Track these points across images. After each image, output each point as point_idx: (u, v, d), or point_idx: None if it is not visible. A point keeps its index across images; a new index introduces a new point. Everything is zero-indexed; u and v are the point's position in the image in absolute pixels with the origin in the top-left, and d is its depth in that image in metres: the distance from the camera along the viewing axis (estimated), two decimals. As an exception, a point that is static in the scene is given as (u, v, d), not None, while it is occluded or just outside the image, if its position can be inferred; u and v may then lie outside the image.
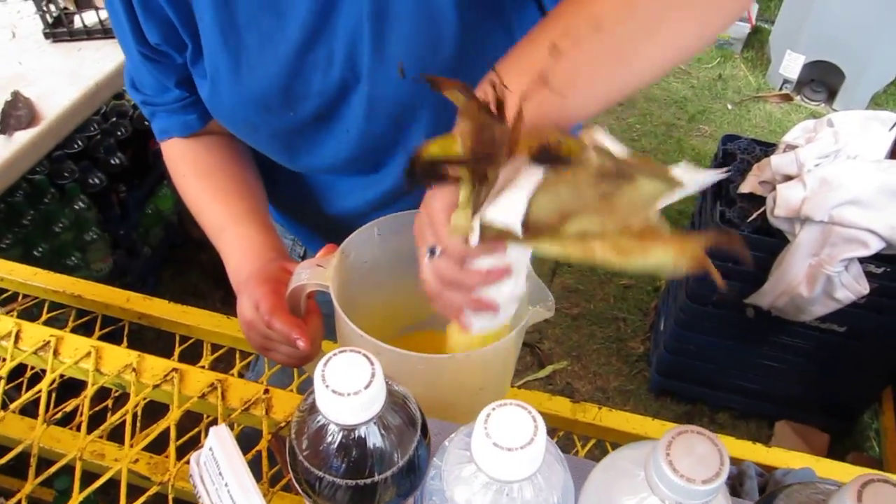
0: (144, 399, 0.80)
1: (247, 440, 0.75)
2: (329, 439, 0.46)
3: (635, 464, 0.45)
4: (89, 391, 0.80)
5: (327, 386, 0.43)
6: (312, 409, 0.47)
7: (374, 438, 0.46)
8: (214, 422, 0.97)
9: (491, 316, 0.63)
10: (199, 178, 0.90)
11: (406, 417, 0.49)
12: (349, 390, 0.43)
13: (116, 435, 0.81)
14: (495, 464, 0.42)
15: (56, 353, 0.82)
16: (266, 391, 0.78)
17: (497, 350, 0.68)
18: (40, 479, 0.73)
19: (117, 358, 0.82)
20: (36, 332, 0.84)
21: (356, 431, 0.46)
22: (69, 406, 0.82)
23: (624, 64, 0.59)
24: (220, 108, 0.81)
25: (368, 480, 0.46)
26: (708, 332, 1.93)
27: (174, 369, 0.80)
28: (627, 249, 0.51)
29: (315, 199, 0.95)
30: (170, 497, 0.71)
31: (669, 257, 0.50)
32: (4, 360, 0.84)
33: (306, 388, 0.87)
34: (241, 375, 0.93)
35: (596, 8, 0.57)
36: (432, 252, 0.59)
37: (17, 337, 0.84)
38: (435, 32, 0.72)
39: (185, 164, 0.91)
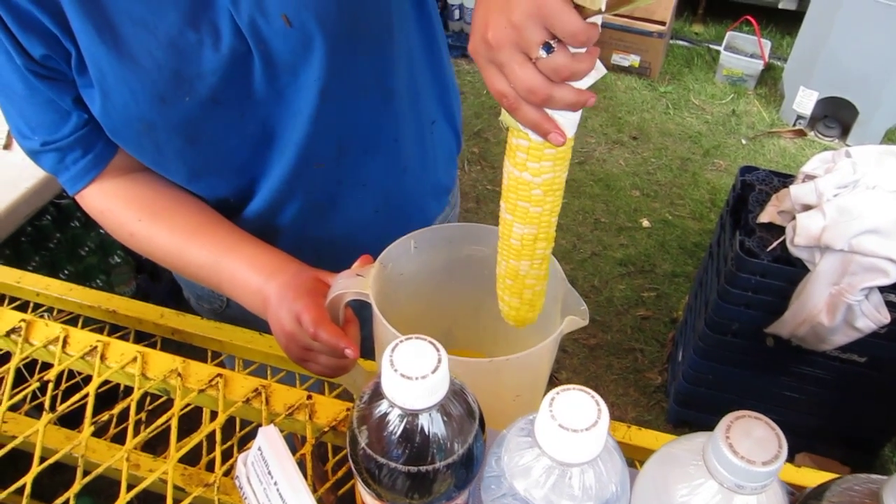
0: (189, 406, 0.81)
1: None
2: (392, 426, 0.47)
3: (691, 453, 0.46)
4: (136, 395, 0.81)
5: (395, 370, 0.45)
6: (375, 397, 0.49)
7: (437, 426, 0.48)
8: (246, 436, 0.98)
9: (576, 115, 0.60)
10: (160, 219, 0.86)
11: (465, 408, 0.50)
12: (417, 374, 0.45)
13: (146, 446, 0.82)
14: (560, 446, 0.43)
15: (103, 357, 0.83)
16: (309, 397, 0.80)
17: (534, 356, 0.70)
18: (87, 479, 0.74)
19: (162, 363, 0.83)
20: (83, 338, 0.86)
21: (420, 418, 0.47)
22: (115, 409, 0.83)
23: None
24: (113, 115, 0.77)
25: (430, 467, 0.48)
26: (727, 362, 1.93)
27: (219, 374, 0.81)
28: None
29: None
30: (216, 499, 0.72)
31: None
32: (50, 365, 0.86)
33: (346, 396, 0.88)
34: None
35: None
36: (549, 48, 0.53)
37: (65, 342, 0.86)
38: None
39: (133, 208, 0.86)
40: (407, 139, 0.99)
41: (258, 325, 0.92)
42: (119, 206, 0.86)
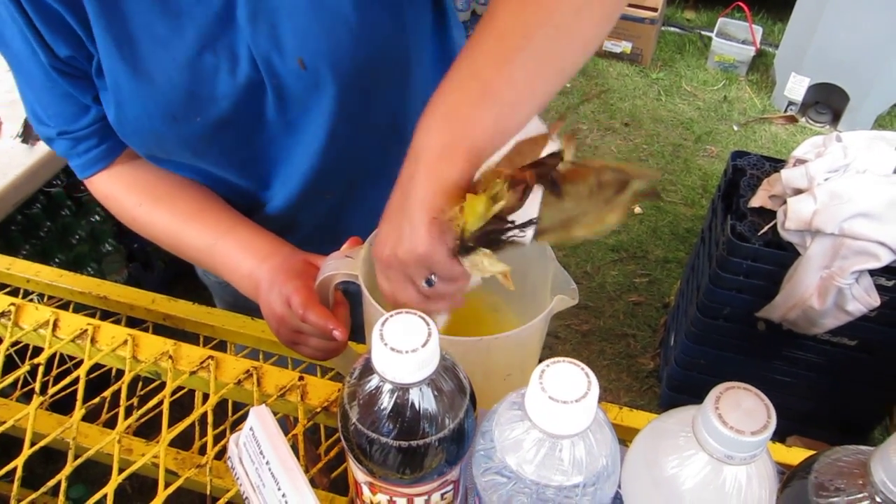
0: (181, 390, 0.81)
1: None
2: (383, 401, 0.47)
3: (680, 424, 0.46)
4: (126, 377, 0.81)
5: (385, 344, 0.45)
6: (366, 372, 0.49)
7: (428, 400, 0.48)
8: (239, 420, 0.98)
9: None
10: (161, 204, 0.87)
11: (456, 383, 0.50)
12: (407, 348, 0.45)
13: (139, 434, 0.82)
14: (550, 417, 0.43)
15: (93, 341, 0.83)
16: (301, 378, 0.80)
17: (524, 335, 0.70)
18: (78, 462, 0.74)
19: (153, 345, 0.83)
20: (73, 321, 0.86)
21: (410, 392, 0.47)
22: (106, 392, 0.82)
23: (555, 68, 0.61)
24: (125, 124, 0.79)
25: (420, 442, 0.48)
26: (719, 347, 1.94)
27: (210, 357, 0.81)
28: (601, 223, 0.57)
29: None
30: (208, 482, 0.72)
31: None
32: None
33: (338, 377, 0.88)
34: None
35: (523, 17, 0.59)
36: (429, 283, 0.61)
37: (55, 325, 0.85)
38: (330, 23, 0.75)
39: (135, 193, 0.87)
40: None
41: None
42: (121, 191, 0.87)
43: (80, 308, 1.05)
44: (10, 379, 0.83)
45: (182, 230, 0.86)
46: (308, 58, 0.76)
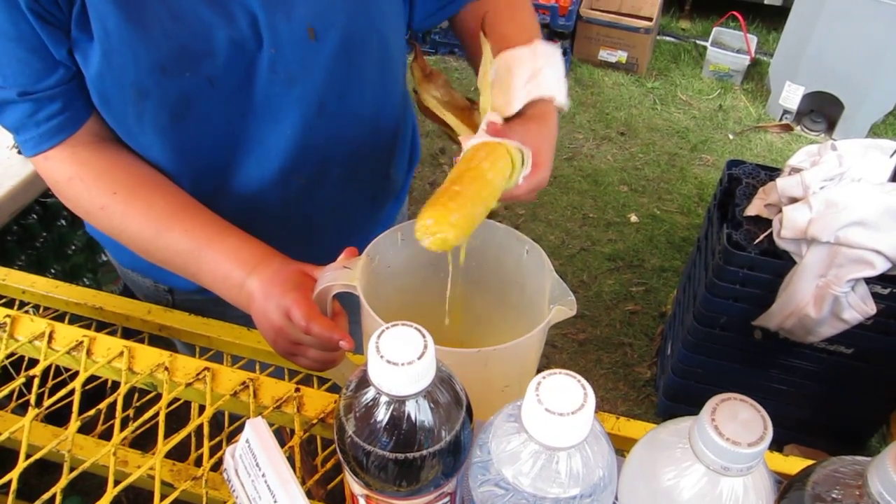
0: (177, 402, 0.81)
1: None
2: (379, 413, 0.47)
3: (677, 436, 0.46)
4: (122, 389, 0.81)
5: (382, 356, 0.45)
6: (362, 385, 0.49)
7: (424, 413, 0.48)
8: (235, 432, 0.98)
9: None
10: (138, 196, 0.81)
11: (452, 395, 0.50)
12: (403, 360, 0.44)
13: (135, 446, 0.81)
14: (547, 430, 0.43)
15: (89, 352, 0.83)
16: (297, 389, 0.79)
17: (522, 346, 0.70)
18: (74, 474, 0.73)
19: (149, 357, 0.83)
20: (68, 333, 0.86)
21: (406, 404, 0.47)
22: (102, 404, 0.82)
23: None
24: (108, 77, 0.74)
25: (417, 454, 0.48)
26: (715, 355, 1.94)
27: (206, 368, 0.81)
28: None
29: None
30: (204, 494, 0.72)
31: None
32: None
33: (334, 389, 0.88)
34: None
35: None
36: None
37: (51, 337, 0.85)
38: None
39: (106, 179, 0.81)
40: (397, 173, 0.99)
41: (208, 311, 0.95)
42: (91, 175, 0.80)
43: (75, 319, 1.05)
44: (5, 391, 0.83)
45: (162, 229, 0.80)
46: (320, 27, 0.74)
